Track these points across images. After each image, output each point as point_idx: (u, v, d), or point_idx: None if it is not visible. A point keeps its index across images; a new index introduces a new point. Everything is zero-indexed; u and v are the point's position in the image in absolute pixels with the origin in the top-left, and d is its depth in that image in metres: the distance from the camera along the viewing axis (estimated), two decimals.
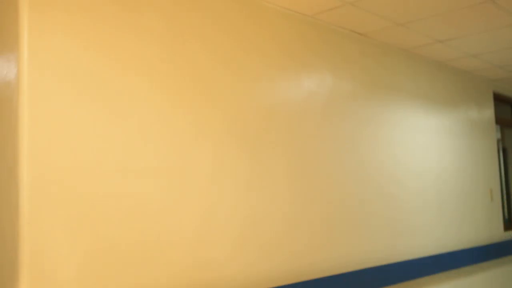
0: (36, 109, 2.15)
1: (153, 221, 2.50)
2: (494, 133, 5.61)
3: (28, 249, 2.07)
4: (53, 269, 2.13)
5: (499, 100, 5.81)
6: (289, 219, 3.19)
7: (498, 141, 5.78)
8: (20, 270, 2.06)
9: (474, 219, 5.03)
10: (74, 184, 2.23)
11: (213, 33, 2.88)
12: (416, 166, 4.35)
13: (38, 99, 2.16)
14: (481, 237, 5.07)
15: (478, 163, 5.24)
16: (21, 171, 2.10)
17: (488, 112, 5.54)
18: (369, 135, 3.89)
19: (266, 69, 3.16)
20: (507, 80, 5.61)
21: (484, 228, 5.16)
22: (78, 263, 2.21)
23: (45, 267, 2.11)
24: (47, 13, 2.22)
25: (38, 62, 2.17)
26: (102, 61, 2.38)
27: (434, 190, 4.53)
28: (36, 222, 2.10)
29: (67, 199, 2.20)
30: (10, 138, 2.17)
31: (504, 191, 5.97)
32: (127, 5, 2.50)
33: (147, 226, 2.47)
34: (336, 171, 3.58)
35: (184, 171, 2.66)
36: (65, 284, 2.17)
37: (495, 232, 5.35)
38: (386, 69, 4.15)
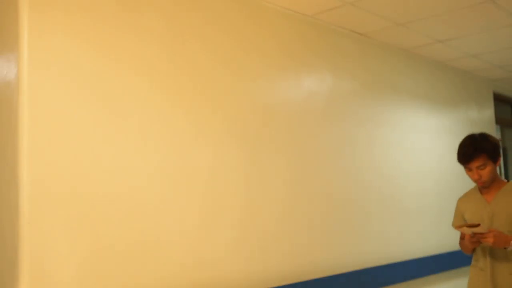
0: (36, 109, 2.15)
1: (153, 221, 2.50)
2: (494, 133, 5.61)
3: (28, 249, 2.07)
4: (53, 269, 2.13)
5: (499, 100, 5.81)
6: (288, 219, 3.18)
7: None
8: (20, 270, 2.06)
9: None
10: (74, 184, 2.23)
11: (213, 33, 2.87)
12: (416, 166, 4.35)
13: (38, 99, 2.16)
14: None
15: None
16: (21, 171, 2.09)
17: (488, 112, 5.53)
18: (369, 135, 3.89)
19: (266, 69, 3.16)
20: (507, 80, 5.61)
21: None
22: (78, 263, 2.21)
23: (45, 267, 2.11)
24: (47, 13, 2.22)
25: (38, 62, 2.17)
26: (102, 61, 2.38)
27: (434, 190, 4.53)
28: (36, 222, 2.10)
29: (67, 199, 2.20)
30: (10, 138, 2.17)
31: None
32: (127, 5, 2.50)
33: (147, 226, 2.47)
34: (336, 171, 3.58)
35: (184, 171, 2.66)
36: (65, 284, 2.17)
37: None
38: (386, 69, 4.15)
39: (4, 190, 2.20)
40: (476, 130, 5.24)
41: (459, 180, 4.88)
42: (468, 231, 2.55)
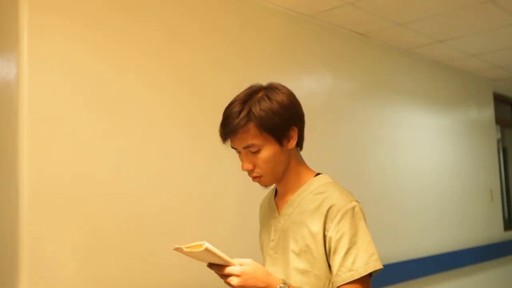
0: (36, 109, 2.15)
1: (153, 220, 2.50)
2: (494, 133, 5.61)
3: (28, 249, 2.07)
4: (53, 269, 2.13)
5: (499, 100, 5.82)
6: None
7: (498, 141, 5.78)
8: (20, 270, 2.06)
9: (474, 219, 5.03)
10: (74, 184, 2.23)
11: (211, 33, 2.87)
12: (416, 166, 4.35)
13: (38, 99, 2.16)
14: (481, 237, 5.07)
15: (478, 163, 5.24)
16: (21, 171, 2.09)
17: (488, 112, 5.53)
18: (368, 135, 3.89)
19: (265, 69, 3.15)
20: (507, 80, 5.61)
21: (484, 228, 5.16)
22: (78, 263, 2.21)
23: (45, 267, 2.11)
24: (47, 13, 2.22)
25: (38, 62, 2.17)
26: (102, 62, 2.38)
27: (434, 190, 4.53)
28: (36, 222, 2.10)
29: (67, 199, 2.20)
30: (10, 138, 2.16)
31: (504, 191, 5.97)
32: (126, 7, 2.50)
33: (147, 226, 2.47)
34: (335, 171, 3.56)
35: (183, 172, 2.66)
36: (65, 284, 2.17)
37: (495, 232, 5.35)
38: (386, 69, 4.15)
39: (4, 190, 2.20)
40: (476, 130, 5.30)
41: (459, 179, 4.90)
42: (192, 255, 1.32)
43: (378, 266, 1.35)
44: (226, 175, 2.85)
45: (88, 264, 2.24)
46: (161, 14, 2.64)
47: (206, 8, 2.86)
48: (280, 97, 1.45)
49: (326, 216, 1.38)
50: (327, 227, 1.37)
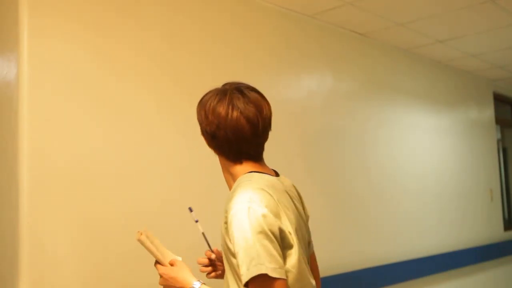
0: (36, 109, 2.15)
1: (153, 220, 2.49)
2: (494, 133, 5.61)
3: (28, 249, 2.07)
4: (53, 268, 2.13)
5: (499, 100, 5.82)
6: None
7: (498, 141, 5.78)
8: (20, 270, 2.06)
9: (474, 219, 5.03)
10: (74, 184, 2.23)
11: (212, 33, 2.87)
12: (416, 166, 4.35)
13: (38, 99, 2.16)
14: (481, 237, 5.07)
15: (478, 163, 5.24)
16: (21, 171, 2.09)
17: (488, 112, 5.54)
18: (369, 135, 3.89)
19: (265, 70, 3.15)
20: (507, 80, 5.61)
21: (484, 228, 5.16)
22: (78, 263, 2.21)
23: (45, 267, 2.11)
24: (47, 14, 2.22)
25: (38, 62, 2.17)
26: (101, 63, 2.38)
27: (434, 190, 4.53)
28: (36, 222, 2.10)
29: (67, 199, 2.20)
30: (10, 138, 2.17)
31: (504, 191, 5.97)
32: (125, 8, 2.50)
33: (147, 226, 2.47)
34: (336, 172, 3.57)
35: (182, 171, 2.66)
36: (65, 283, 2.17)
37: (495, 232, 5.35)
38: (386, 69, 4.15)
39: (4, 190, 2.20)
40: (476, 130, 5.30)
41: (459, 179, 4.90)
42: (149, 247, 1.60)
43: (258, 271, 1.26)
44: None
45: (88, 264, 2.24)
46: (160, 15, 2.64)
47: (206, 9, 2.86)
48: (219, 108, 1.52)
49: (226, 217, 1.41)
50: (227, 228, 1.40)
